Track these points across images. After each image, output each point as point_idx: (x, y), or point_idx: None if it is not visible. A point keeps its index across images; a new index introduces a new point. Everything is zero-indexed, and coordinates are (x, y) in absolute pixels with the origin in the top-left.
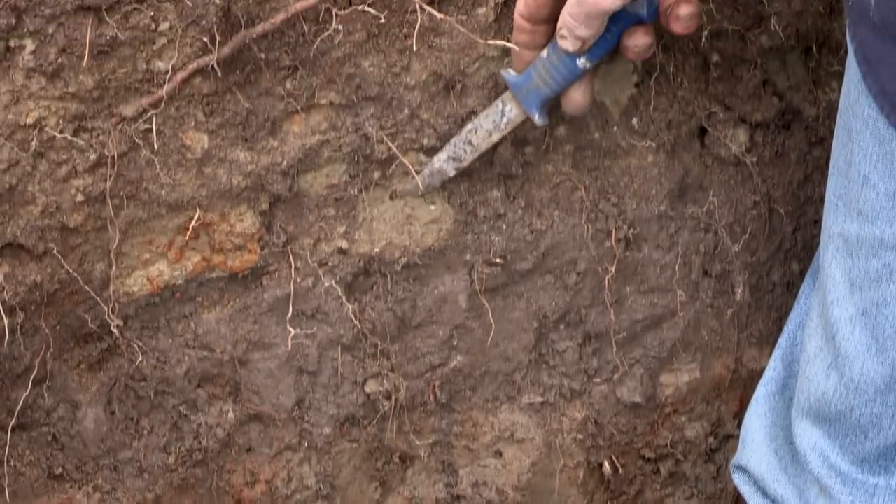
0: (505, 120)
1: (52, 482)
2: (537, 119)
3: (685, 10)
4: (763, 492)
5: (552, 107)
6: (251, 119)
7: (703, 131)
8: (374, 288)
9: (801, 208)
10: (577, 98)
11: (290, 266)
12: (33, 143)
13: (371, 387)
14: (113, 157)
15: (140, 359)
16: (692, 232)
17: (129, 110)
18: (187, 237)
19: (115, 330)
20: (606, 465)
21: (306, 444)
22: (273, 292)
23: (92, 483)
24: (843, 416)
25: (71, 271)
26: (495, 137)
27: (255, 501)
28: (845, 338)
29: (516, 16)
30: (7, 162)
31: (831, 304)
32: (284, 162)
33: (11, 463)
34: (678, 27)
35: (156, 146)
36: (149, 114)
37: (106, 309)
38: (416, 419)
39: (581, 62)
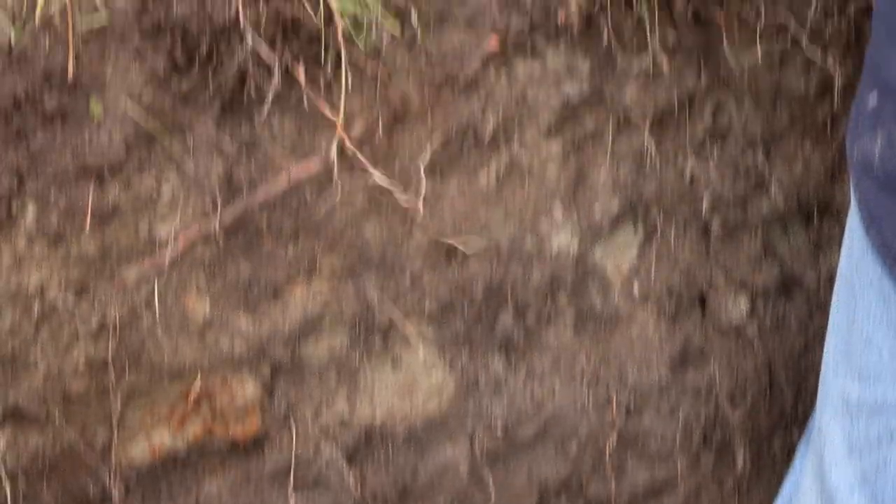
0: None
1: None
2: None
3: None
4: None
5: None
6: (253, 285)
7: (703, 298)
8: (376, 456)
9: (802, 376)
10: None
11: (292, 434)
12: (35, 308)
13: None
14: (115, 323)
15: None
16: (693, 400)
17: (130, 276)
18: (189, 405)
19: (116, 499)
20: None
21: None
22: (274, 460)
23: None
24: None
25: (73, 439)
26: None
27: None
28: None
29: None
30: (9, 328)
31: (829, 469)
32: (286, 328)
33: None
34: None
35: (157, 312)
36: (150, 279)
37: (107, 477)
38: None
39: None
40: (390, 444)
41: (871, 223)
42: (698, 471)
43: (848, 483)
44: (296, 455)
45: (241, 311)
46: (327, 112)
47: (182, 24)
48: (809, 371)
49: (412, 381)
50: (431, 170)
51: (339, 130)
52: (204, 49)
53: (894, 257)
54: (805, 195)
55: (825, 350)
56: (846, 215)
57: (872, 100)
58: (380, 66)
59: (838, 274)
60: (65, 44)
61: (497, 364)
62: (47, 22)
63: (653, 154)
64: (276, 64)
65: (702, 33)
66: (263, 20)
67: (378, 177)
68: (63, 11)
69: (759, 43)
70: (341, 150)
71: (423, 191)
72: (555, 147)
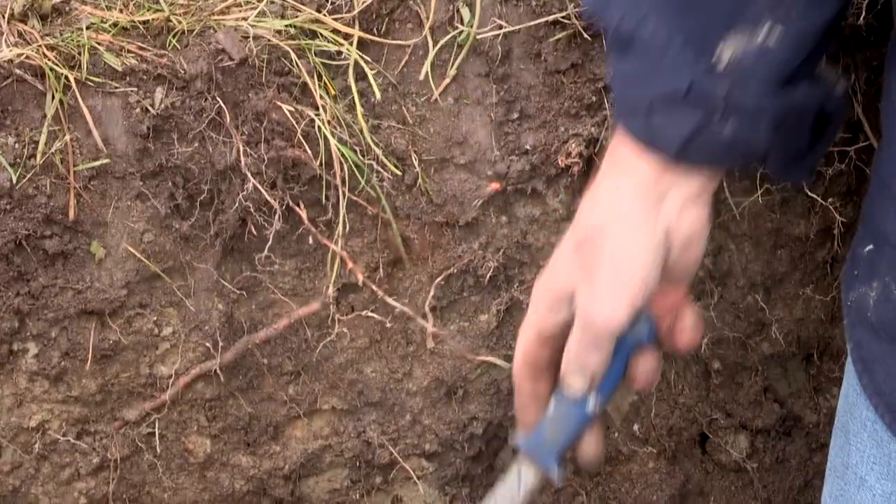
0: (524, 485)
1: None
2: (555, 477)
3: (689, 320)
4: None
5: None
6: (253, 424)
7: (703, 437)
8: None
9: None
10: (590, 450)
11: None
12: (36, 445)
13: None
14: (115, 461)
15: None
16: None
17: (131, 414)
18: None
19: None
20: None
21: None
22: None
23: None
24: None
25: None
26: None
27: None
28: None
29: (515, 377)
30: (10, 464)
31: None
32: (286, 467)
33: None
34: (684, 340)
35: (158, 450)
36: (152, 418)
37: None
38: None
39: (590, 405)
40: None
41: (864, 369)
42: None
43: None
44: None
45: (241, 449)
46: (330, 246)
47: (183, 166)
48: None
49: None
50: (432, 310)
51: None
52: (205, 191)
53: (886, 404)
54: (805, 336)
55: (823, 492)
56: (846, 357)
57: (868, 250)
58: (380, 209)
59: (836, 417)
60: (66, 185)
61: None
62: (48, 164)
63: None
64: (278, 206)
65: None
66: (264, 163)
67: (392, 302)
68: (64, 154)
69: (759, 185)
70: (341, 289)
71: (429, 326)
72: None
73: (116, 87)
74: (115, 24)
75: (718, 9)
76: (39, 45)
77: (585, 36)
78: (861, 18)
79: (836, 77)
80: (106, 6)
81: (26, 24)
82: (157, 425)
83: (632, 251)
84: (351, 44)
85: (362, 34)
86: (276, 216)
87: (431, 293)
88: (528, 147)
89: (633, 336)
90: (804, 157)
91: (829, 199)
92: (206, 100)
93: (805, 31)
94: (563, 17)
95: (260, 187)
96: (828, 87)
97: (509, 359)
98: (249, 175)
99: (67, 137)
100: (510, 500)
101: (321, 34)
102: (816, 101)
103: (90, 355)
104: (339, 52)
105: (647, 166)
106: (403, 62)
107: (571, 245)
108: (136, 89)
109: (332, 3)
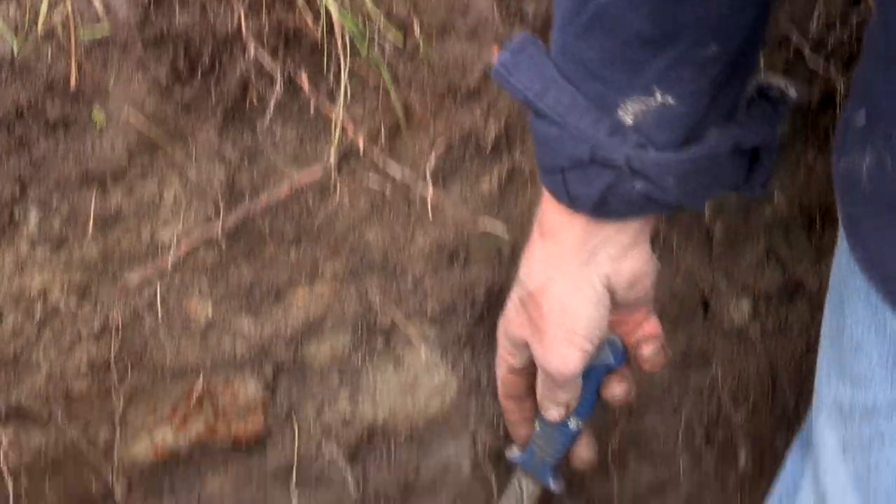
0: (525, 496)
1: None
2: (553, 487)
3: (648, 350)
4: None
5: None
6: (255, 289)
7: (706, 303)
8: (378, 454)
9: (804, 377)
10: (582, 455)
11: (294, 433)
12: (38, 311)
13: None
14: (117, 326)
15: None
16: (695, 400)
17: (133, 280)
18: (191, 404)
19: (119, 496)
20: None
21: None
22: (276, 459)
23: None
24: None
25: (75, 437)
26: None
27: None
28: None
29: (500, 401)
30: (12, 330)
31: (823, 471)
32: (288, 331)
33: None
34: (646, 367)
35: (160, 315)
36: (153, 283)
37: (110, 475)
38: None
39: (572, 425)
40: (392, 443)
41: (856, 242)
42: (701, 469)
43: (841, 484)
44: (298, 454)
45: (243, 313)
46: (331, 114)
47: (184, 34)
48: (811, 372)
49: (414, 382)
50: (434, 176)
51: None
52: (206, 58)
53: (880, 275)
54: (807, 202)
55: (818, 357)
56: None
57: (860, 118)
58: (381, 77)
59: (830, 281)
60: (67, 53)
61: None
62: (50, 32)
63: None
64: (279, 73)
65: None
66: (266, 31)
67: (393, 168)
68: (65, 22)
69: (762, 53)
70: (342, 156)
71: (429, 195)
72: None
73: None
74: None
75: (613, 80)
76: None
77: None
78: None
79: (785, 87)
80: None
81: None
82: (158, 291)
83: (571, 306)
84: None
85: None
86: (278, 84)
87: (433, 160)
88: (529, 14)
89: (601, 363)
90: (747, 181)
91: (831, 68)
92: None
93: (701, 88)
94: None
95: (261, 55)
96: (745, 123)
97: (510, 224)
98: (251, 43)
99: (69, 5)
100: None
101: None
102: (729, 144)
103: (91, 222)
104: None
105: (575, 228)
106: None
107: (517, 300)
108: None
109: None
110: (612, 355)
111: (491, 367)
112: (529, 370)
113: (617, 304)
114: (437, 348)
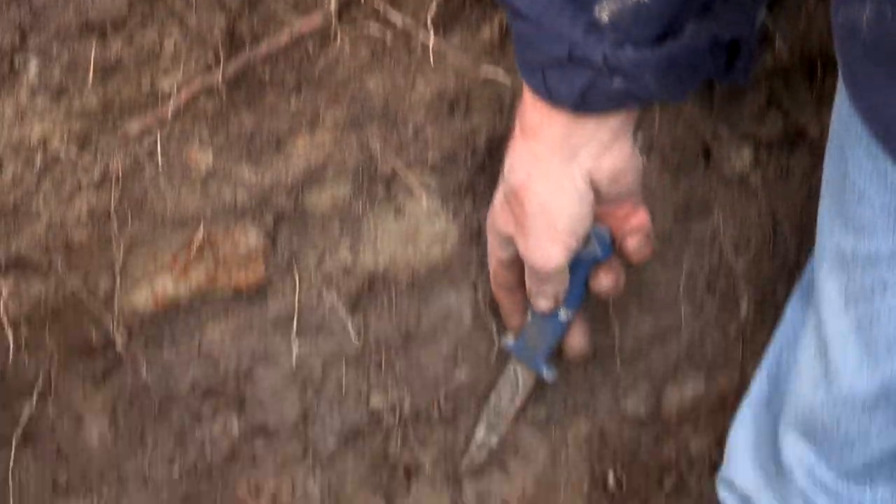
0: (521, 383)
1: (56, 495)
2: (546, 376)
3: (634, 242)
4: None
5: None
6: (255, 137)
7: (707, 151)
8: (379, 303)
9: (806, 225)
10: (575, 345)
11: (295, 282)
12: (38, 160)
13: (375, 400)
14: (117, 175)
15: (144, 372)
16: (697, 248)
17: (133, 129)
18: (192, 253)
19: (119, 344)
20: (611, 478)
21: (311, 457)
22: (277, 307)
23: (96, 495)
24: (829, 430)
25: (75, 287)
26: (518, 401)
27: None
28: (837, 352)
29: (493, 292)
30: (12, 179)
31: (825, 320)
32: (289, 180)
33: (16, 476)
34: (633, 259)
35: (160, 164)
36: (153, 132)
37: (110, 324)
38: (420, 432)
39: (562, 316)
40: (393, 291)
41: (855, 89)
42: (702, 318)
43: (842, 333)
44: (299, 302)
45: (243, 162)
46: None
47: None
48: (812, 220)
49: (415, 230)
50: (435, 24)
51: None
52: None
53: (879, 124)
54: (808, 49)
55: (820, 206)
56: None
57: None
58: None
59: (830, 130)
60: None
61: None
62: None
63: None
64: None
65: None
66: None
67: (394, 15)
68: None
69: None
70: (343, 4)
71: (430, 42)
72: None
73: None
74: None
75: None
76: None
77: None
78: None
79: None
80: None
81: None
82: (158, 140)
83: (552, 203)
84: None
85: None
86: None
87: (433, 7)
88: None
89: (588, 255)
90: (727, 73)
91: None
92: None
93: None
94: None
95: None
96: (722, 16)
97: (512, 71)
98: None
99: None
100: (510, 396)
101: None
102: (706, 39)
103: (91, 71)
104: None
105: (556, 126)
106: None
107: (502, 196)
108: None
109: None
110: (599, 247)
111: None
112: (519, 263)
113: (602, 199)
114: (438, 197)
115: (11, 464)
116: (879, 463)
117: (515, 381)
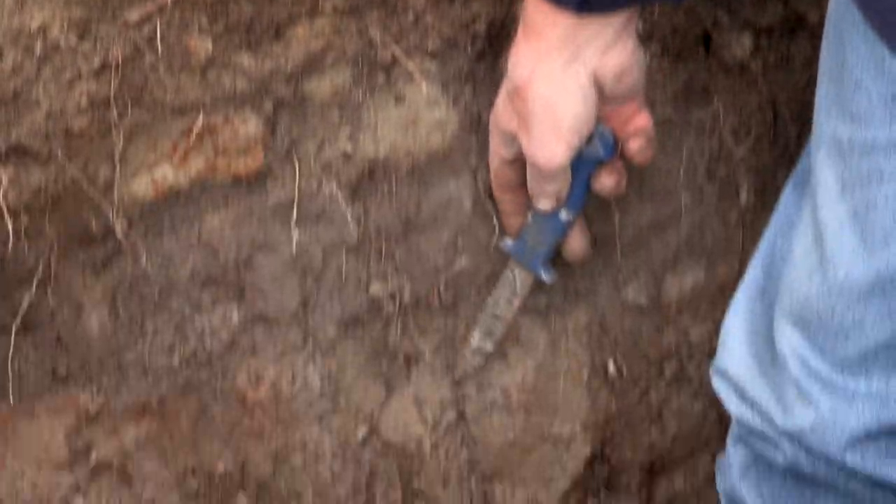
0: (518, 286)
1: (56, 383)
2: (545, 278)
3: (637, 143)
4: (741, 395)
5: None
6: (255, 24)
7: (707, 38)
8: (379, 191)
9: (806, 113)
10: (575, 247)
11: (295, 170)
12: (38, 48)
13: (375, 288)
14: (117, 62)
15: (144, 261)
16: (697, 136)
17: (133, 16)
18: (191, 141)
19: (119, 233)
20: (611, 366)
21: (311, 345)
22: (277, 196)
23: (96, 384)
24: (824, 319)
25: (75, 175)
26: (516, 304)
27: (259, 402)
28: (833, 240)
29: (493, 192)
30: (11, 67)
31: (821, 207)
32: (289, 67)
33: (16, 364)
34: (636, 160)
35: (160, 52)
36: (153, 19)
37: (110, 212)
38: (420, 320)
39: (563, 216)
40: (393, 179)
41: None
42: (702, 206)
43: (838, 220)
44: (298, 190)
45: (243, 49)
46: None
47: None
48: (812, 107)
49: (415, 117)
50: None
51: None
52: None
53: (874, 11)
54: None
55: (817, 93)
56: None
57: None
58: None
59: (828, 16)
60: None
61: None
62: None
63: None
64: None
65: None
66: None
67: None
68: None
69: None
70: None
71: None
72: None
73: None
74: None
75: None
76: None
77: None
78: None
79: None
80: None
81: None
82: (158, 27)
83: (557, 99)
84: None
85: None
86: None
87: None
88: None
89: (591, 155)
90: None
91: None
92: None
93: None
94: None
95: None
96: None
97: None
98: None
99: None
100: (508, 299)
101: None
102: None
103: None
104: None
105: (559, 26)
106: None
107: (505, 93)
108: None
109: None
110: (602, 148)
111: (492, 105)
112: (521, 162)
113: (605, 99)
114: (438, 84)
115: (11, 352)
116: (874, 354)
117: (513, 284)
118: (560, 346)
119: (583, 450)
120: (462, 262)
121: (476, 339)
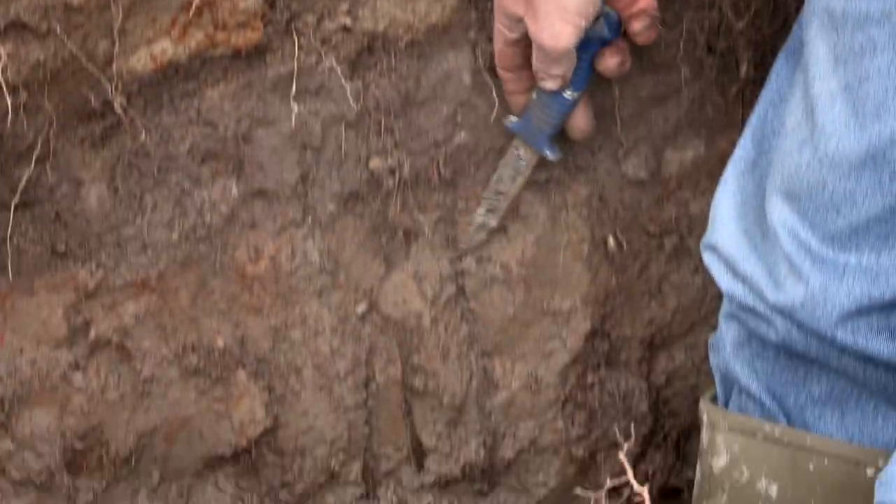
0: (523, 163)
1: (55, 259)
2: (549, 156)
3: (640, 24)
4: (733, 271)
5: None
6: None
7: None
8: (378, 65)
9: None
10: (579, 125)
11: (294, 44)
12: None
13: (375, 163)
14: None
15: (143, 136)
16: (697, 9)
17: None
18: (190, 15)
19: (118, 108)
20: (611, 240)
21: (310, 221)
22: (276, 70)
23: (95, 260)
24: (815, 192)
25: (74, 50)
26: (520, 181)
27: (258, 277)
28: (824, 112)
29: (498, 72)
30: None
31: (813, 79)
32: None
33: (14, 241)
34: (639, 40)
35: None
36: None
37: (109, 87)
38: (419, 195)
39: (568, 95)
40: (392, 53)
41: None
42: (702, 79)
43: (830, 92)
44: (298, 64)
45: None
46: None
47: None
48: None
49: None
50: None
51: None
52: None
53: None
54: None
55: None
56: None
57: None
58: None
59: None
60: None
61: None
62: None
63: None
64: None
65: None
66: None
67: None
68: None
69: None
70: None
71: None
72: None
73: None
74: None
75: None
76: None
77: None
78: None
79: None
80: None
81: None
82: None
83: None
84: None
85: None
86: None
87: None
88: None
89: (596, 35)
90: None
91: None
92: None
93: None
94: None
95: None
96: None
97: None
98: None
99: None
100: (512, 177)
101: None
102: None
103: None
104: None
105: None
106: None
107: None
108: None
109: None
110: (606, 28)
111: None
112: (526, 42)
113: None
114: None
115: (10, 228)
116: (865, 227)
117: (518, 162)
118: (560, 220)
119: (583, 325)
120: (461, 136)
121: (480, 215)
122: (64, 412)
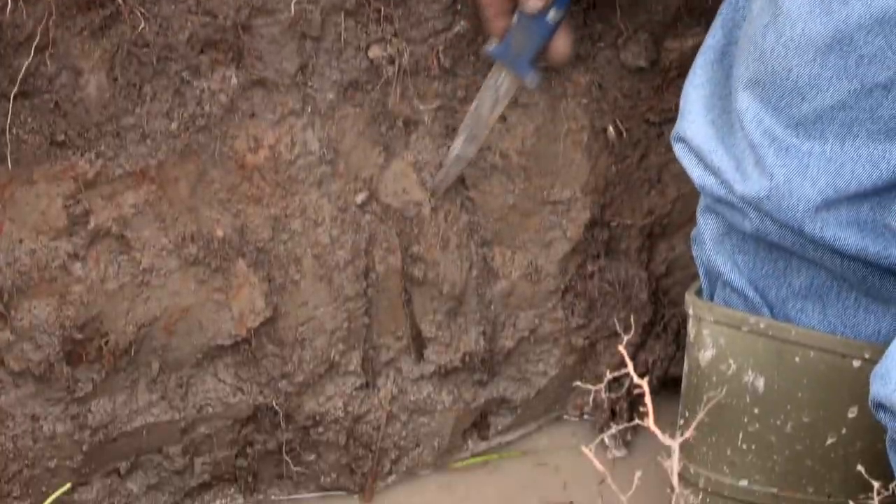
0: (503, 89)
1: (54, 149)
2: (529, 82)
3: None
4: (703, 162)
5: None
6: None
7: None
8: None
9: None
10: (559, 49)
11: None
12: None
13: (374, 52)
14: None
15: (143, 25)
16: None
17: None
18: None
19: None
20: (611, 129)
21: (310, 110)
22: None
23: (94, 150)
24: (779, 77)
25: None
26: (500, 108)
27: (257, 167)
28: None
29: None
30: None
31: None
32: None
33: (13, 131)
34: None
35: None
36: None
37: None
38: (419, 84)
39: (550, 17)
40: None
41: None
42: None
43: None
44: None
45: None
46: None
47: None
48: None
49: None
50: None
51: None
52: None
53: None
54: None
55: None
56: None
57: None
58: None
59: None
60: None
61: None
62: None
63: None
64: None
65: None
66: None
67: None
68: None
69: None
70: None
71: None
72: None
73: None
74: None
75: None
76: None
77: None
78: None
79: None
80: None
81: None
82: None
83: None
84: None
85: None
86: None
87: None
88: None
89: None
90: None
91: None
92: None
93: None
94: None
95: None
96: None
97: None
98: None
99: None
100: (492, 103)
101: None
102: None
103: None
104: None
105: None
106: None
107: None
108: None
109: None
110: None
111: None
112: None
113: None
114: None
115: (9, 118)
116: (830, 114)
117: (498, 88)
118: (559, 109)
119: (582, 214)
120: (461, 25)
121: (458, 145)
122: (63, 303)
